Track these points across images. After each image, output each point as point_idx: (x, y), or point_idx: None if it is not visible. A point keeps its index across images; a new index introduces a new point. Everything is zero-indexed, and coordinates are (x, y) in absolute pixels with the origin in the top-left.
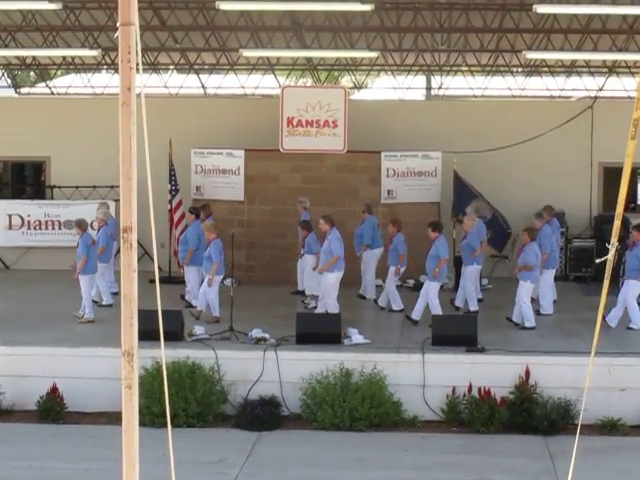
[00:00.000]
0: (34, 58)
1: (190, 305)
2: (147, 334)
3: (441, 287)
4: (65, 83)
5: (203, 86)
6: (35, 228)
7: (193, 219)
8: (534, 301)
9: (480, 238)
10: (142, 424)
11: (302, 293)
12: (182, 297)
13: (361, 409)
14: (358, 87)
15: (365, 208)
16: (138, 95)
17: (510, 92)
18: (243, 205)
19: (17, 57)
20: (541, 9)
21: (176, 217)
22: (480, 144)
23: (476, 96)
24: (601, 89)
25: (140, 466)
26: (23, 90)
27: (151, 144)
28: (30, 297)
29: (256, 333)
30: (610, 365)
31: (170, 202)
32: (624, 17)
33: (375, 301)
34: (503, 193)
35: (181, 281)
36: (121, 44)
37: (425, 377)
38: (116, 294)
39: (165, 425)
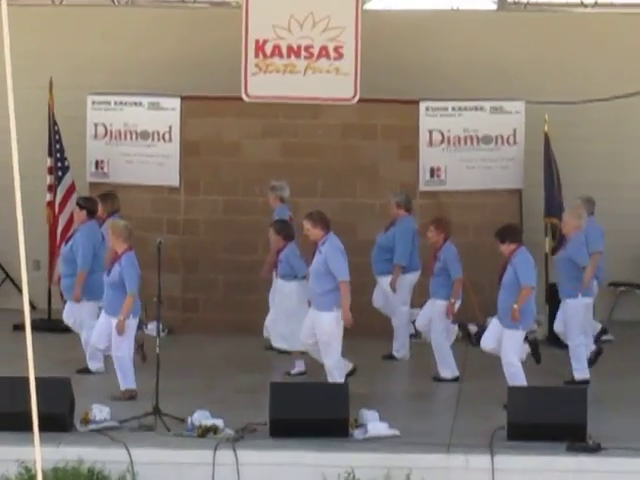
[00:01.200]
0: None
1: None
2: (9, 420)
3: (525, 338)
4: None
5: None
6: None
7: (85, 219)
8: None
9: (593, 249)
10: None
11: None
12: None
13: None
14: None
15: (400, 200)
16: None
17: None
18: (178, 194)
19: None
20: None
21: (63, 217)
22: (589, 89)
23: (586, 4)
24: None
25: None
26: None
27: (18, 86)
28: None
29: (200, 418)
30: None
31: (52, 189)
32: None
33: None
34: (623, 175)
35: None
36: None
37: None
38: None
39: None
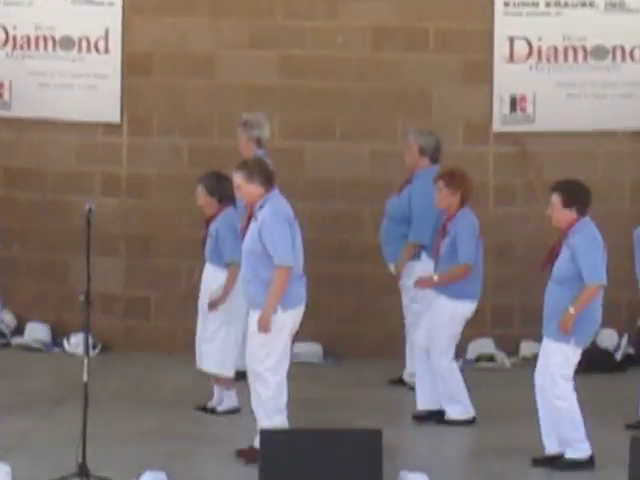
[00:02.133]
0: None
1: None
2: None
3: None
4: None
5: None
6: None
7: None
8: None
9: None
10: None
11: None
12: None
13: None
14: None
15: (424, 142)
16: None
17: None
18: (119, 136)
19: None
20: None
21: None
22: None
23: None
24: None
25: None
26: None
27: None
28: None
29: None
30: None
31: None
32: None
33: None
34: None
35: None
36: None
37: None
38: None
39: None
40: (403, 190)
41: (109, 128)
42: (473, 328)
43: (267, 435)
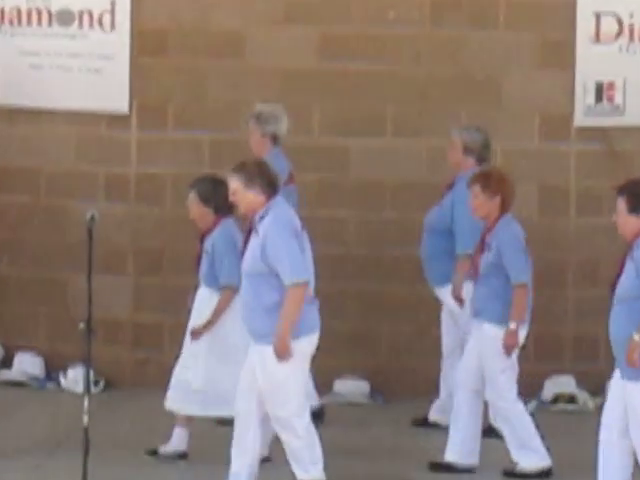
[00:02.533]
0: None
1: None
2: None
3: None
4: None
5: None
6: None
7: None
8: None
9: None
10: None
11: None
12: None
13: None
14: None
15: (469, 139)
16: None
17: None
18: (127, 129)
19: None
20: None
21: None
22: None
23: None
24: None
25: None
26: None
27: None
28: None
29: None
30: None
31: None
32: None
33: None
34: None
35: None
36: None
37: None
38: None
39: None
40: (444, 197)
41: (115, 120)
42: (550, 363)
43: None
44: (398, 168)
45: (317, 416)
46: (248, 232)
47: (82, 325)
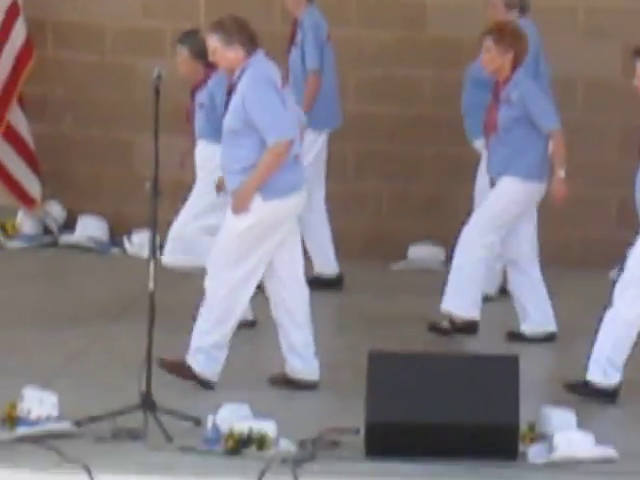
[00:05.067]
0: None
1: None
2: None
3: None
4: None
5: None
6: None
7: None
8: None
9: None
10: None
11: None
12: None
13: None
14: None
15: None
16: None
17: None
18: None
19: None
20: None
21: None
22: None
23: None
24: None
25: None
26: None
27: None
28: None
29: (231, 419)
30: None
31: None
32: None
33: None
34: None
35: None
36: None
37: None
38: None
39: None
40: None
41: None
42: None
43: (379, 358)
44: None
45: (335, 283)
46: (229, 90)
47: (148, 185)
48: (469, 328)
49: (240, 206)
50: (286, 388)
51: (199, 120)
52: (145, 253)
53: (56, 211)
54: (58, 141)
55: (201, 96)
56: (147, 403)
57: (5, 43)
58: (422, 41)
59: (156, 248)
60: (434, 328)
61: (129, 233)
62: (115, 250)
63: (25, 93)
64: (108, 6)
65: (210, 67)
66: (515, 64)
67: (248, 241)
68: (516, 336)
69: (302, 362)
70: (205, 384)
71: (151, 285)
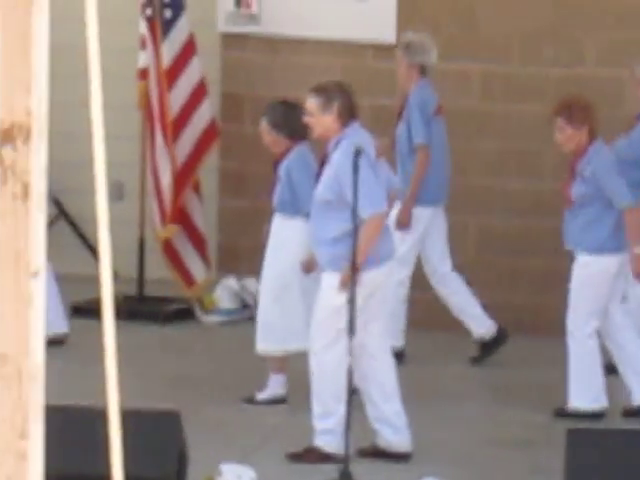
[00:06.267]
0: None
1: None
2: None
3: None
4: None
5: None
6: None
7: None
8: None
9: None
10: None
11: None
12: None
13: None
14: None
15: None
16: None
17: None
18: (393, 61)
19: None
20: None
21: (173, 95)
22: None
23: None
24: None
25: None
26: None
27: None
28: None
29: None
30: None
31: (152, 43)
32: None
33: None
34: None
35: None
36: None
37: None
38: None
39: None
40: (635, 128)
41: (381, 50)
42: None
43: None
44: None
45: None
46: (322, 161)
47: None
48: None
49: (345, 284)
50: (377, 459)
51: (278, 193)
52: None
53: (253, 286)
54: (257, 216)
55: (282, 169)
56: (345, 477)
57: (191, 118)
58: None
59: (353, 325)
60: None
61: None
62: None
63: (222, 167)
64: (305, 82)
65: (294, 139)
66: (591, 136)
67: (346, 313)
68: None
69: (394, 432)
70: (342, 460)
71: (348, 360)
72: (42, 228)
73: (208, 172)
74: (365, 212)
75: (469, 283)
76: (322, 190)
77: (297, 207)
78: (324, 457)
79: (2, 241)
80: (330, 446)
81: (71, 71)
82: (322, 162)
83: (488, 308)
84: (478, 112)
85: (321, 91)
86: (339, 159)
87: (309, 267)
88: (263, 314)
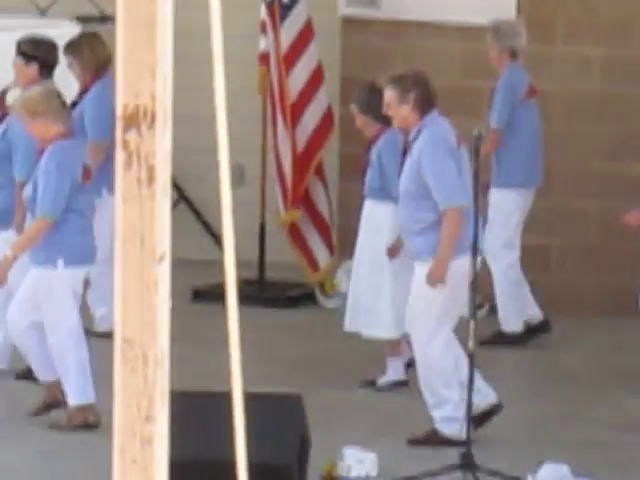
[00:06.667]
0: None
1: None
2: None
3: None
4: None
5: None
6: None
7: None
8: None
9: None
10: None
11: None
12: None
13: None
14: None
15: None
16: None
17: None
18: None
19: None
20: None
21: (292, 79)
22: None
23: None
24: None
25: None
26: None
27: None
28: None
29: (549, 477)
30: None
31: (272, 27)
32: None
33: None
34: None
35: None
36: None
37: None
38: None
39: None
40: None
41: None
42: None
43: None
44: None
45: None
46: (404, 150)
47: None
48: None
49: (437, 279)
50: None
51: (368, 177)
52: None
53: None
54: None
55: (373, 153)
56: (467, 463)
57: (309, 104)
58: None
59: (475, 308)
60: None
61: None
62: None
63: (342, 151)
64: (427, 66)
65: (384, 123)
66: None
67: (444, 302)
68: None
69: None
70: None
71: (470, 345)
72: (167, 213)
73: (329, 156)
74: (443, 205)
75: (593, 267)
76: (405, 180)
77: (387, 192)
78: (445, 441)
79: (127, 226)
80: (451, 430)
81: (194, 56)
82: (404, 151)
83: (614, 291)
84: (598, 95)
85: (397, 82)
86: (421, 151)
87: (394, 252)
88: (365, 300)
